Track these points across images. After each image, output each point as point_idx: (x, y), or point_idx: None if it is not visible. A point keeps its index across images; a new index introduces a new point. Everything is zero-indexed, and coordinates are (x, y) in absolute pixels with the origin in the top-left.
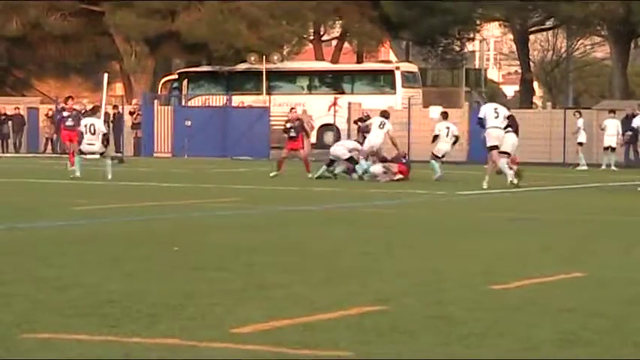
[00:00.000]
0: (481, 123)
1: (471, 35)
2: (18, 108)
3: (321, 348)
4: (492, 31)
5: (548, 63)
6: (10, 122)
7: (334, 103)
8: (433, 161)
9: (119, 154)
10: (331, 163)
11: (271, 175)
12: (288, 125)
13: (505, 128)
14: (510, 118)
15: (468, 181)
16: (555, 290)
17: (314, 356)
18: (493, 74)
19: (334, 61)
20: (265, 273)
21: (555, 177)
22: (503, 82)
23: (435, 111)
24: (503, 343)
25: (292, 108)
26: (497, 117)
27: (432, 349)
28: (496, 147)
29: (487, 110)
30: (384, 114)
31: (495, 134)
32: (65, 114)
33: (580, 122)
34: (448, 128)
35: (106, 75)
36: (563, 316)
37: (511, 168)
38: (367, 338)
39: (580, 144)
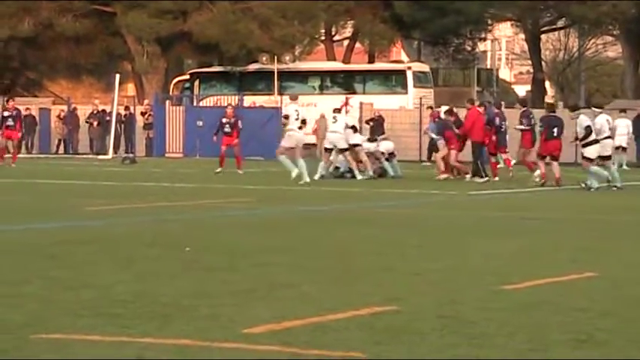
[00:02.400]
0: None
1: (483, 35)
2: (29, 109)
3: (332, 348)
4: (504, 30)
5: (560, 63)
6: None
7: (346, 103)
8: (281, 157)
9: (131, 155)
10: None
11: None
12: (224, 121)
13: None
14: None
15: (479, 181)
16: (567, 290)
17: (325, 356)
18: (505, 74)
19: (346, 61)
20: (276, 273)
21: (567, 176)
22: (514, 82)
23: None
24: (515, 344)
25: (229, 104)
26: (335, 122)
27: (443, 349)
28: (330, 149)
29: (290, 111)
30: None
31: (331, 138)
32: (6, 114)
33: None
34: (297, 111)
35: (117, 75)
36: (575, 316)
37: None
38: (378, 338)
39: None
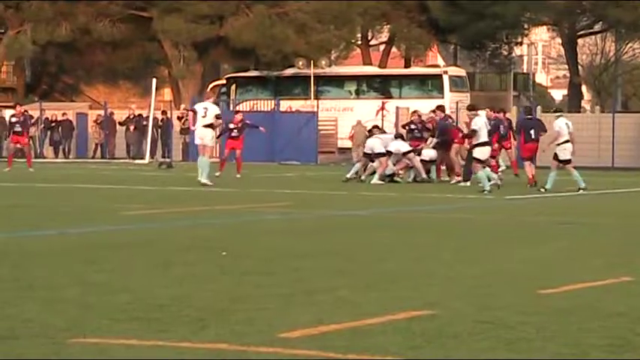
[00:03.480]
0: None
1: (519, 39)
2: (66, 114)
3: (369, 353)
4: (540, 35)
5: (597, 67)
6: (59, 128)
7: (382, 108)
8: (202, 158)
9: (168, 159)
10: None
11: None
12: (231, 126)
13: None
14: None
15: (515, 185)
16: (604, 295)
17: None
18: (541, 78)
19: (382, 65)
20: (313, 278)
21: (604, 181)
22: (551, 86)
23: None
24: (552, 348)
25: (237, 111)
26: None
27: (480, 353)
28: (369, 154)
29: (198, 109)
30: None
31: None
32: (13, 119)
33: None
34: (206, 109)
35: (154, 80)
36: (613, 321)
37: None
38: (415, 343)
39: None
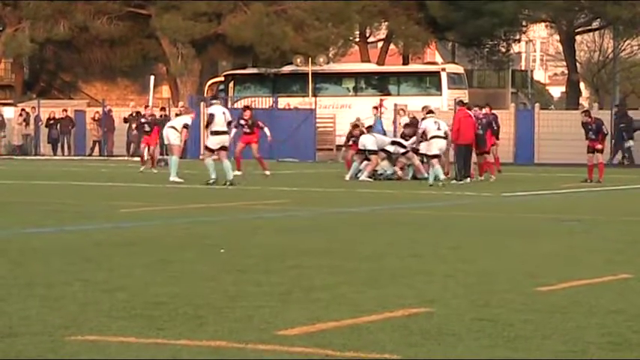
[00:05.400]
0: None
1: (517, 36)
2: (65, 111)
3: (367, 350)
4: (539, 32)
5: (595, 64)
6: (58, 125)
7: (380, 105)
8: (172, 157)
9: (166, 157)
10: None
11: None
12: (142, 120)
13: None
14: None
15: (514, 182)
16: (603, 292)
17: (359, 358)
18: (539, 75)
19: (380, 62)
20: (311, 275)
21: (602, 177)
22: (549, 84)
23: None
24: (550, 346)
25: (146, 106)
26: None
27: (478, 351)
28: (363, 151)
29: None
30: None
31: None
32: None
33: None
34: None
35: (152, 78)
36: (611, 318)
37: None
38: (413, 340)
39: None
